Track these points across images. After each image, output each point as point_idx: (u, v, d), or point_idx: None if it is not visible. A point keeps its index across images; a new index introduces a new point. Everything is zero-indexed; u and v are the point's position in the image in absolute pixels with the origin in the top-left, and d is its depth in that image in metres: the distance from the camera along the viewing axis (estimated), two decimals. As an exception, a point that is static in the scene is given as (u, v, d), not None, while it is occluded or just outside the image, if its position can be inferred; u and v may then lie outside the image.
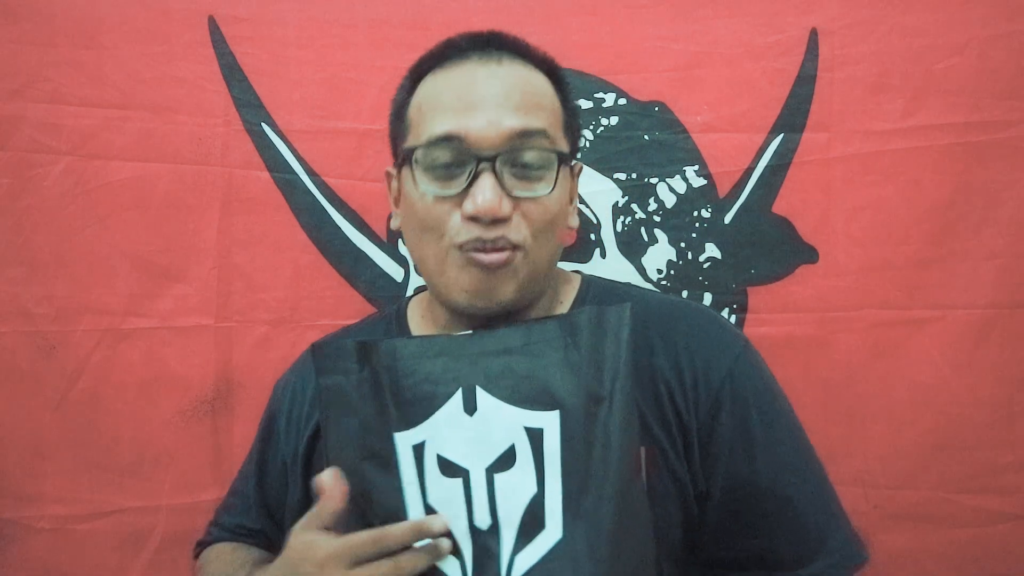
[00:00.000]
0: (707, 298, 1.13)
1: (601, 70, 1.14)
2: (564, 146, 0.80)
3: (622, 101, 1.14)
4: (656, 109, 1.13)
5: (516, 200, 0.75)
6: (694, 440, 0.78)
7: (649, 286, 1.13)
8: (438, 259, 0.78)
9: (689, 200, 1.13)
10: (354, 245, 1.16)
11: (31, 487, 1.11)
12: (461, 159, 0.74)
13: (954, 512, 1.08)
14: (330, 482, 0.70)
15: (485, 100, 0.75)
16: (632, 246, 1.14)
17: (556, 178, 0.76)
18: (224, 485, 1.10)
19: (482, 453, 0.71)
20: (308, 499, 0.84)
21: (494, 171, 0.74)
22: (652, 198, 1.13)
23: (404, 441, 0.72)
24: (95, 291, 1.12)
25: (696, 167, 1.13)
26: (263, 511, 0.95)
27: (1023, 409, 1.07)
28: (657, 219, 1.13)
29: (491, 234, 0.74)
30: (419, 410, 0.73)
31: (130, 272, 1.13)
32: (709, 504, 0.79)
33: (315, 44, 1.15)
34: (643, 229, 1.14)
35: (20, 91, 1.11)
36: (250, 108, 1.14)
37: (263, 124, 1.14)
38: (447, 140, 0.75)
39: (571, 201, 0.85)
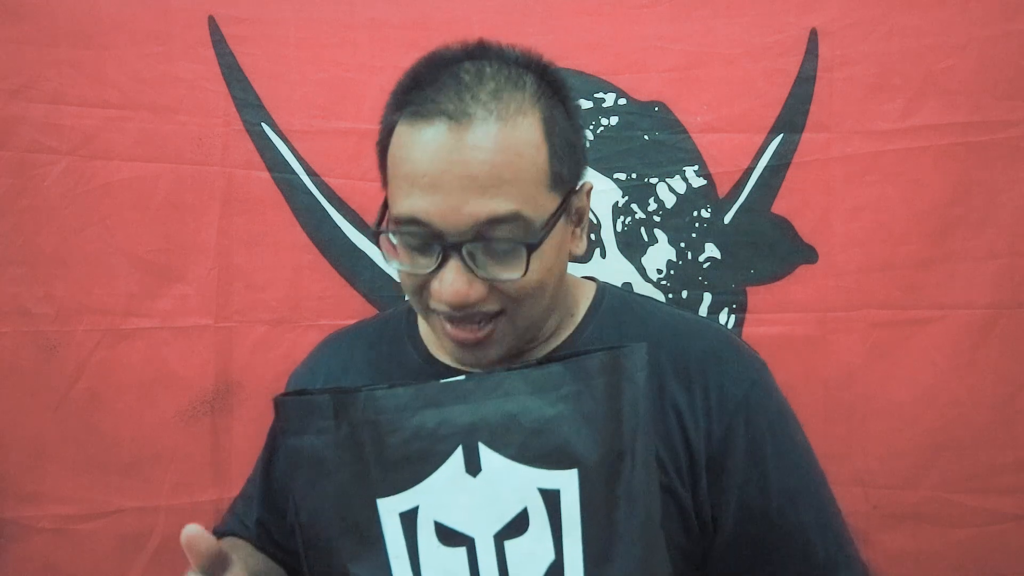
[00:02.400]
0: (706, 298, 1.13)
1: (601, 70, 1.14)
2: (550, 206, 0.72)
3: (622, 101, 1.14)
4: (656, 109, 1.13)
5: (490, 281, 0.70)
6: (702, 467, 0.75)
7: (649, 286, 1.13)
8: (423, 313, 0.77)
9: (689, 200, 1.13)
10: (354, 245, 1.16)
11: (31, 487, 1.11)
12: (429, 242, 0.70)
13: (954, 512, 1.08)
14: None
15: (447, 180, 0.67)
16: (632, 246, 1.14)
17: (527, 265, 0.69)
18: (223, 485, 1.10)
19: (489, 518, 0.65)
20: None
21: (462, 257, 0.69)
22: (652, 198, 1.13)
23: (390, 509, 0.65)
24: (95, 291, 1.12)
25: (696, 167, 1.13)
26: (267, 501, 0.93)
27: (1023, 409, 1.07)
28: (657, 219, 1.13)
29: (463, 312, 0.71)
30: (410, 472, 0.65)
31: (130, 272, 1.13)
32: (719, 533, 0.76)
33: (315, 44, 1.15)
34: (643, 229, 1.14)
35: (21, 91, 1.11)
36: (250, 108, 1.14)
37: (263, 124, 1.14)
38: (414, 223, 0.70)
39: (579, 223, 0.79)
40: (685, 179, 1.13)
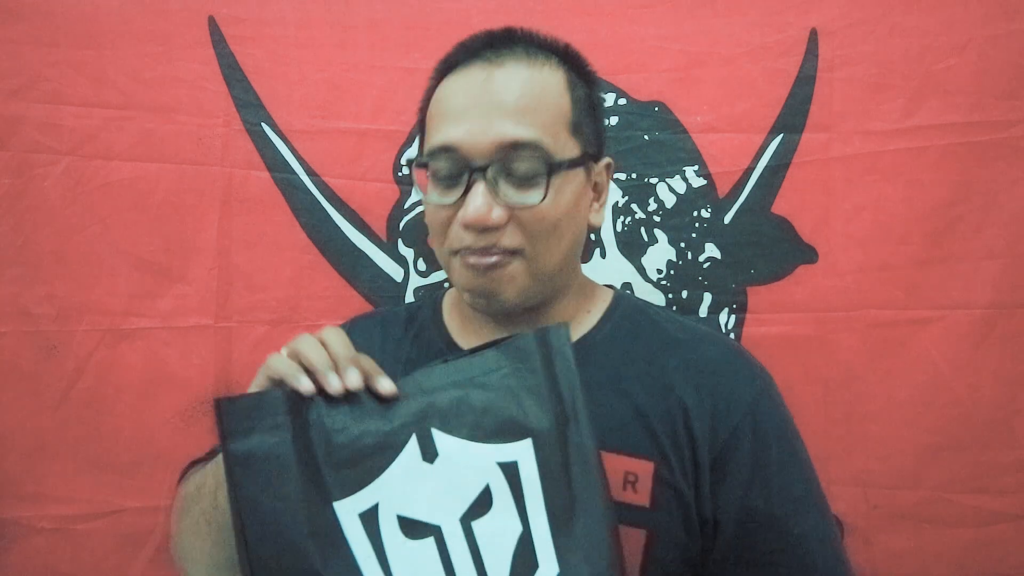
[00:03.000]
0: (707, 298, 1.13)
1: (601, 70, 1.12)
2: (570, 150, 0.78)
3: (622, 101, 1.14)
4: (656, 109, 1.13)
5: (510, 208, 0.75)
6: (705, 466, 0.78)
7: (649, 286, 1.13)
8: (445, 260, 0.81)
9: (689, 200, 1.13)
10: (354, 245, 1.16)
11: (32, 487, 1.11)
12: (458, 169, 0.76)
13: (954, 512, 1.08)
14: None
15: (477, 108, 0.76)
16: (632, 246, 1.14)
17: (547, 187, 0.75)
18: (224, 485, 1.10)
19: (453, 503, 0.64)
20: None
21: (486, 180, 0.74)
22: (652, 198, 1.13)
23: (348, 510, 0.63)
24: (95, 291, 1.12)
25: (696, 167, 1.13)
26: None
27: (1023, 409, 1.07)
28: (657, 219, 1.13)
29: (482, 242, 0.76)
30: (364, 470, 0.64)
31: (130, 272, 1.13)
32: (720, 536, 0.78)
33: (315, 44, 1.14)
34: (643, 229, 1.14)
35: (20, 91, 1.11)
36: (250, 108, 1.14)
37: (263, 124, 1.14)
38: (444, 151, 0.76)
39: (598, 198, 0.85)
40: (685, 179, 1.13)
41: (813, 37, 1.10)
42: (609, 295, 0.91)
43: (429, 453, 0.64)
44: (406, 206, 1.16)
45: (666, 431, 0.78)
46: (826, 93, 1.10)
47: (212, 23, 1.14)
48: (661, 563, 0.76)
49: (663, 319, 0.88)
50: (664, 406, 0.79)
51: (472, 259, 0.77)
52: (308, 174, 1.15)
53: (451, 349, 0.87)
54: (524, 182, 0.75)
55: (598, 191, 0.85)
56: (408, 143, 1.15)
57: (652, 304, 0.94)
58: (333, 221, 1.15)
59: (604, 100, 1.03)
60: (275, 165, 1.15)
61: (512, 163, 0.75)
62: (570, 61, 0.83)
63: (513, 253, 0.77)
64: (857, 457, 1.09)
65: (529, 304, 0.81)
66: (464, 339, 0.88)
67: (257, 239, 1.14)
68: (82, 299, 1.12)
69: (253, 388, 0.69)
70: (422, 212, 1.15)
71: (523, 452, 0.65)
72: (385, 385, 0.66)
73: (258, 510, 0.62)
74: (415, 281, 1.16)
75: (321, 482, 0.63)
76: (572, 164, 0.78)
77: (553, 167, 0.75)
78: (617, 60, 1.13)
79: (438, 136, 0.77)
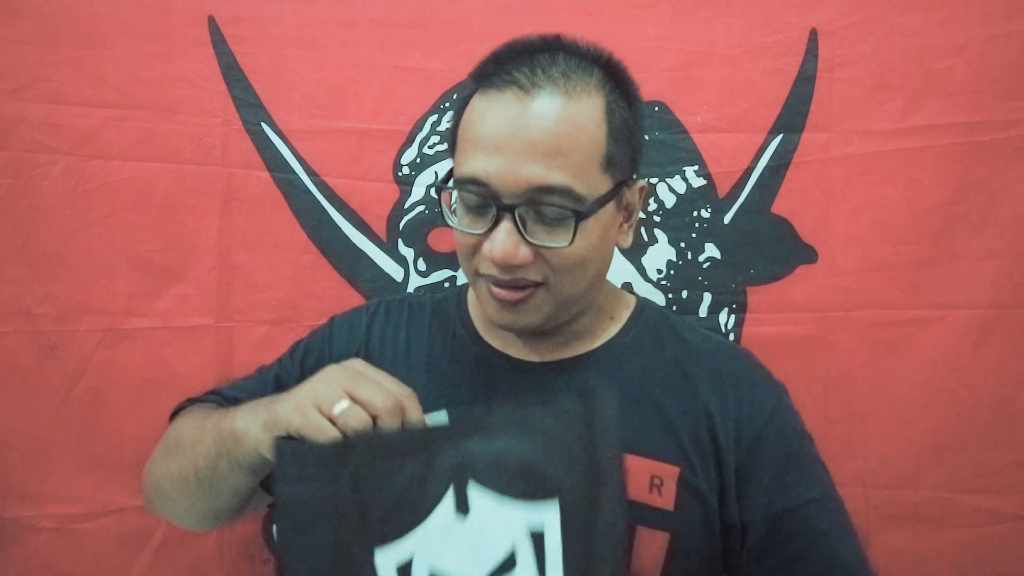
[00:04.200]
0: (706, 298, 1.13)
1: (601, 70, 1.14)
2: (600, 187, 0.76)
3: (622, 101, 1.14)
4: (656, 109, 1.13)
5: (537, 247, 0.75)
6: (731, 471, 0.80)
7: (649, 286, 1.13)
8: (470, 278, 0.82)
9: (689, 200, 1.13)
10: (354, 245, 1.16)
11: (33, 486, 1.11)
12: (486, 202, 0.75)
13: (954, 512, 1.08)
14: None
15: (510, 144, 0.73)
16: (632, 246, 1.13)
17: (574, 233, 0.74)
18: (224, 485, 1.10)
19: (480, 561, 0.64)
20: None
21: (514, 219, 0.74)
22: (652, 198, 1.13)
23: (387, 560, 0.63)
24: (96, 291, 1.12)
25: (696, 167, 1.13)
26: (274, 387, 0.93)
27: (1023, 409, 1.07)
28: (657, 219, 1.13)
29: (507, 275, 0.76)
30: (405, 519, 0.64)
31: (130, 272, 1.13)
32: (749, 539, 0.80)
33: (315, 44, 1.14)
34: (643, 229, 1.14)
35: (20, 91, 1.10)
36: (250, 108, 1.14)
37: (263, 124, 1.14)
38: (473, 183, 0.75)
39: (628, 219, 0.84)
40: (685, 179, 1.13)
41: (813, 37, 1.10)
42: (632, 301, 0.92)
43: (463, 506, 0.65)
44: (406, 206, 1.16)
45: (691, 437, 0.81)
46: (826, 93, 1.10)
47: (212, 23, 1.14)
48: (682, 565, 0.79)
49: (684, 328, 0.90)
50: (689, 413, 0.82)
51: (498, 291, 0.78)
52: (308, 174, 1.15)
53: (479, 345, 0.89)
54: (552, 223, 0.75)
55: (629, 211, 0.84)
56: (408, 143, 1.15)
57: (672, 312, 0.96)
58: (333, 221, 1.15)
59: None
60: (275, 165, 1.15)
61: (541, 205, 0.74)
62: (613, 78, 0.80)
63: (536, 284, 0.78)
64: (857, 457, 1.09)
65: (551, 325, 0.83)
66: (490, 335, 0.90)
67: (257, 239, 1.14)
68: (82, 299, 1.12)
69: (298, 410, 0.67)
70: (422, 212, 1.15)
71: (550, 512, 0.65)
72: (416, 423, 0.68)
73: (298, 558, 0.63)
74: (415, 281, 1.16)
75: (365, 527, 0.63)
76: (602, 201, 0.76)
77: (581, 214, 0.74)
78: (617, 60, 1.14)
79: (468, 166, 0.75)
